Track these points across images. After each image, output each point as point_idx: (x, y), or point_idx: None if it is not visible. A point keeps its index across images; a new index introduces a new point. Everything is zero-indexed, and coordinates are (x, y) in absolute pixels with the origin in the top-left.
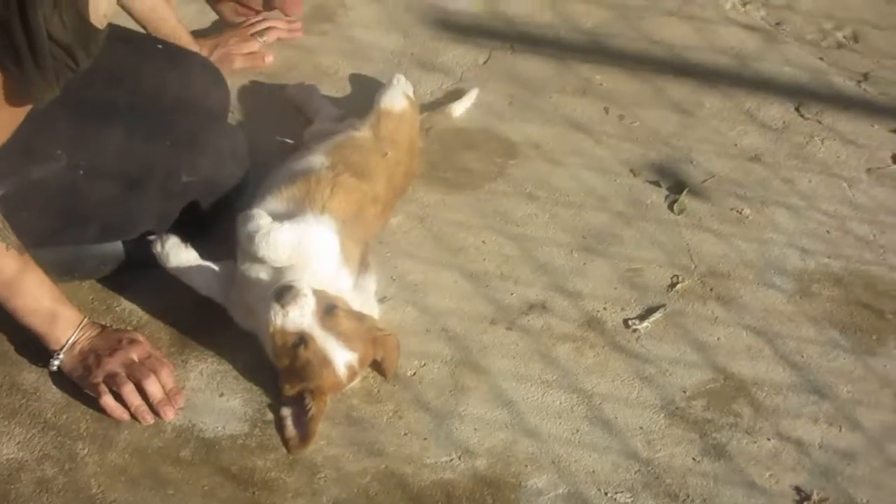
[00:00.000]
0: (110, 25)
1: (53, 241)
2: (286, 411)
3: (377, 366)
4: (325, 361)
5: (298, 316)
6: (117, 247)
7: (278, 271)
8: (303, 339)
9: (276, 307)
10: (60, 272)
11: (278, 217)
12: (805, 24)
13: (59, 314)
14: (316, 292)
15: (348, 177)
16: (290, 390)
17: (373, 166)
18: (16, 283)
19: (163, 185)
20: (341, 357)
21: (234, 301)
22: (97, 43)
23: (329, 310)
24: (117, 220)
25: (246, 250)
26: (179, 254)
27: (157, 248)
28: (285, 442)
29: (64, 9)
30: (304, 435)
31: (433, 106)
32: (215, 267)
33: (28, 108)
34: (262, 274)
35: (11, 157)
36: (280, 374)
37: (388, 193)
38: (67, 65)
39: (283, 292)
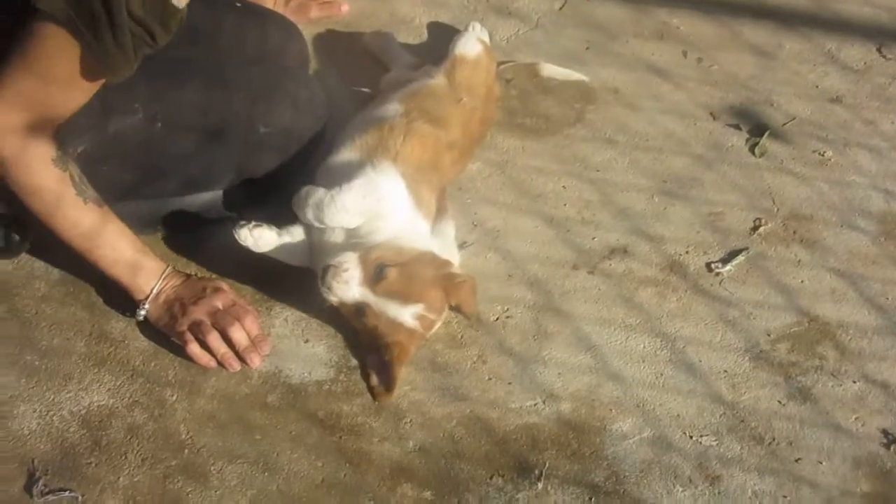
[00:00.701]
0: None
1: (134, 195)
2: (370, 360)
3: (458, 309)
4: (390, 321)
5: (346, 290)
6: (197, 199)
7: (353, 229)
8: (360, 309)
9: (323, 289)
10: (142, 225)
11: (341, 175)
12: None
13: (141, 264)
14: (366, 257)
15: (422, 124)
16: (370, 345)
17: (448, 113)
18: (96, 235)
19: (241, 137)
20: (405, 313)
21: (316, 262)
22: (177, 20)
23: (379, 272)
24: (196, 173)
25: (318, 225)
26: (265, 237)
27: (243, 236)
28: (370, 390)
29: None
30: (388, 383)
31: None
32: (299, 236)
33: (101, 82)
34: (337, 234)
35: (89, 113)
36: (359, 332)
37: (464, 140)
38: (145, 41)
39: (323, 272)
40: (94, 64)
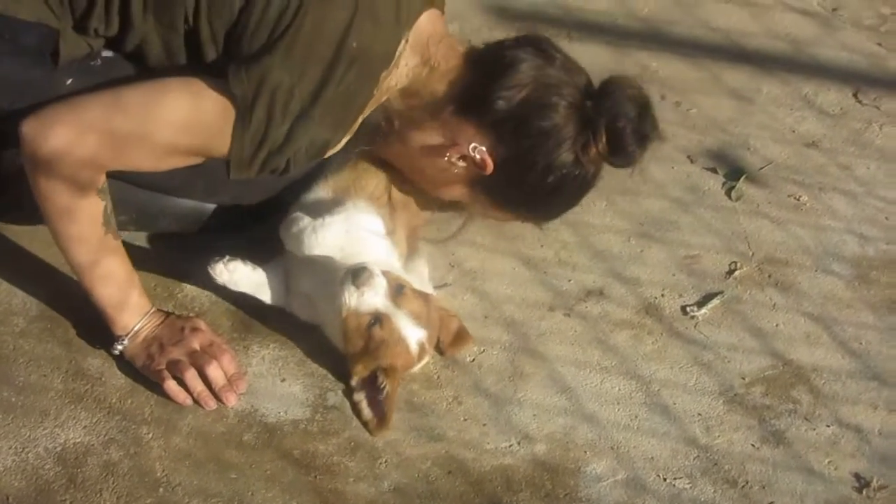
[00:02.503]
0: None
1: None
2: (359, 395)
3: (454, 343)
4: (400, 339)
5: (373, 296)
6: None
7: (331, 261)
8: (377, 319)
9: (352, 288)
10: (143, 222)
11: (318, 212)
12: (862, 8)
13: (130, 300)
14: (385, 272)
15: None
16: (362, 371)
17: None
18: (101, 265)
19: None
20: (414, 334)
21: (293, 295)
22: (307, 167)
23: (398, 289)
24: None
25: (297, 253)
26: (240, 272)
27: (218, 271)
28: (365, 425)
29: (315, 146)
30: (382, 415)
31: None
32: (277, 275)
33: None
34: (316, 266)
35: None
36: (351, 357)
37: None
38: (276, 171)
39: (358, 273)
40: (219, 151)
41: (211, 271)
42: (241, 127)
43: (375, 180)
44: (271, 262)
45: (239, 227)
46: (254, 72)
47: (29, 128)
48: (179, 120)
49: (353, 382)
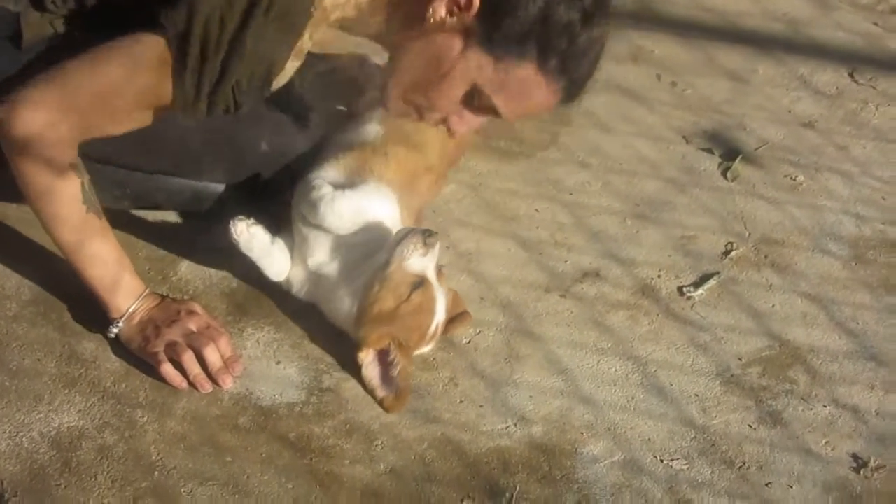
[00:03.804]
0: None
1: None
2: (370, 372)
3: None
4: (430, 311)
5: (430, 261)
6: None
7: (339, 238)
8: (422, 282)
9: (418, 245)
10: (138, 199)
11: (339, 185)
12: None
13: (123, 282)
14: None
15: (402, 146)
16: (376, 341)
17: (426, 136)
18: (87, 246)
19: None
20: (441, 311)
21: (296, 271)
22: (259, 99)
23: (439, 268)
24: (188, 158)
25: (308, 218)
26: (258, 237)
27: (239, 230)
28: (380, 403)
29: (256, 75)
30: (398, 390)
31: None
32: (283, 250)
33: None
34: (322, 241)
35: None
36: (367, 324)
37: (441, 163)
38: (228, 108)
39: (430, 233)
40: (174, 104)
41: (231, 227)
42: (179, 67)
43: (384, 162)
44: (278, 235)
45: (240, 211)
46: (181, 8)
47: None
48: (127, 77)
49: (363, 357)
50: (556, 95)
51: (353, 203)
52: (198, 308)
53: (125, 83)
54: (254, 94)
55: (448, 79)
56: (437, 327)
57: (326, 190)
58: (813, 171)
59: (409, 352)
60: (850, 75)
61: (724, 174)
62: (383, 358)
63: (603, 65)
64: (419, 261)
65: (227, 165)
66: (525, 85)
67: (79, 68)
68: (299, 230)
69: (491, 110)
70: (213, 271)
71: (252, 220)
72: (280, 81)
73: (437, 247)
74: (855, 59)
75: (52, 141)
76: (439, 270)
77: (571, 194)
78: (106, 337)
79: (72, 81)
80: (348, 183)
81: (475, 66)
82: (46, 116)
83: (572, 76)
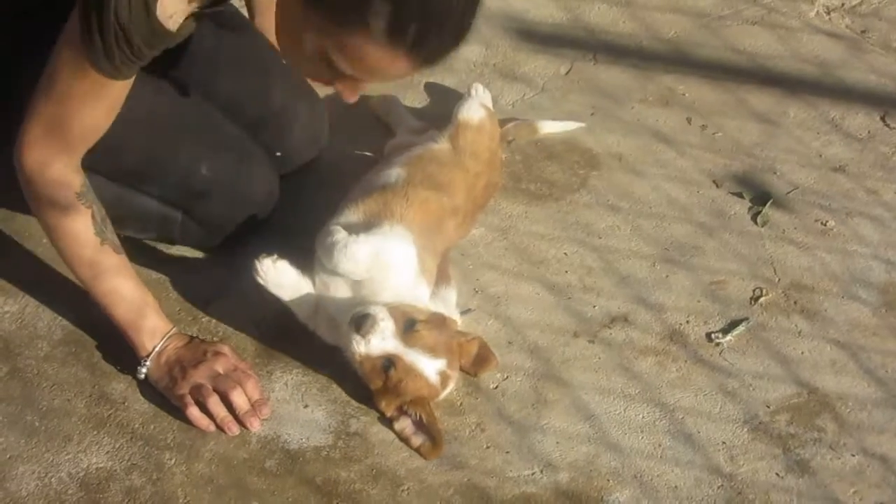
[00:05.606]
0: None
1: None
2: (401, 424)
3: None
4: (417, 376)
5: (380, 341)
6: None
7: (358, 284)
8: (390, 361)
9: (357, 337)
10: (138, 228)
11: (355, 230)
12: (891, 31)
13: (147, 320)
14: (393, 310)
15: (426, 189)
16: (388, 408)
17: (452, 178)
18: (104, 281)
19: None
20: (431, 367)
21: (321, 315)
22: (164, 42)
23: (409, 325)
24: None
25: (325, 265)
26: (286, 273)
27: (265, 267)
28: (417, 450)
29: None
30: (433, 438)
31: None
32: (310, 287)
33: (113, 97)
34: (342, 287)
35: None
36: (375, 394)
37: (468, 205)
38: (125, 52)
39: (360, 322)
40: (89, 63)
41: (257, 266)
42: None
43: (405, 204)
44: (306, 275)
45: (237, 241)
46: None
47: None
48: (86, 87)
49: (388, 415)
50: (408, 60)
51: (368, 247)
52: (226, 349)
53: (65, 87)
54: (140, 26)
55: (301, 42)
56: (441, 374)
57: (341, 236)
58: (843, 216)
59: (424, 403)
60: (882, 119)
61: (753, 219)
62: (406, 414)
63: (634, 107)
64: (373, 345)
65: (174, 180)
66: (368, 51)
67: (45, 101)
68: (320, 276)
69: (349, 76)
70: (243, 313)
71: (276, 256)
72: (175, 19)
73: (381, 324)
74: (887, 103)
75: (49, 180)
76: (412, 327)
77: (601, 238)
78: (136, 378)
79: (51, 120)
80: (365, 227)
81: (316, 29)
82: (37, 156)
83: (422, 42)
